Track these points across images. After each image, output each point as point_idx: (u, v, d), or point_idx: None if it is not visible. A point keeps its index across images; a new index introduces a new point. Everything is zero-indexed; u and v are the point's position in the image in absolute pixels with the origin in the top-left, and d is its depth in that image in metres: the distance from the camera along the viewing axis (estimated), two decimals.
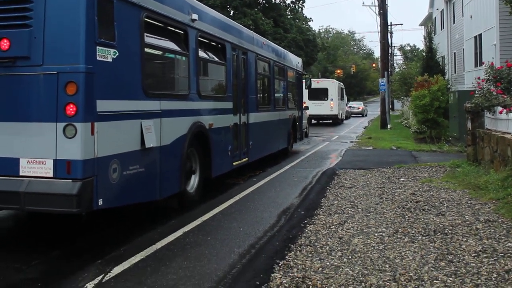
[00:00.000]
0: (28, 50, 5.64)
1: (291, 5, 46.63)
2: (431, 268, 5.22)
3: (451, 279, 4.91)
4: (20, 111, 5.69)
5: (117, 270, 5.34)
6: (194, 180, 8.72)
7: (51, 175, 5.52)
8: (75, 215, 5.88)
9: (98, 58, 5.72)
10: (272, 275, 5.08)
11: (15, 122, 5.71)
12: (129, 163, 6.31)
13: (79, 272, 5.30)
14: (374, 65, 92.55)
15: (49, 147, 5.53)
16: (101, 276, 5.15)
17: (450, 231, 6.57)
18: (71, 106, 5.47)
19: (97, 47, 5.71)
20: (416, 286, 4.74)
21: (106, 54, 5.87)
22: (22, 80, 5.68)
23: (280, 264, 5.39)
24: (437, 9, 36.59)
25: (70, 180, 5.44)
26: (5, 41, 5.71)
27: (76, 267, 5.45)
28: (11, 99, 5.72)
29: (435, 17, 38.26)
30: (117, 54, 6.08)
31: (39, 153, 5.58)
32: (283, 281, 4.88)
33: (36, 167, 5.57)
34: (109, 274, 5.22)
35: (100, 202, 5.71)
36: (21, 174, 5.62)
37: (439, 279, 4.91)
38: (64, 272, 5.34)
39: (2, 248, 6.33)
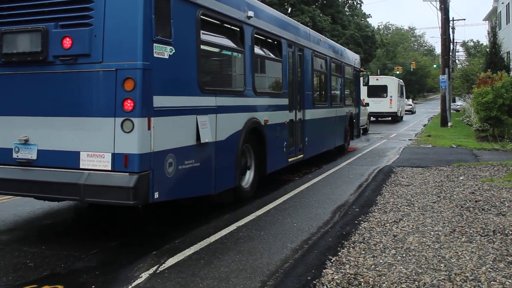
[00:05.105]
0: (89, 48, 5.83)
1: (350, 1, 46.18)
2: (489, 269, 5.05)
3: (510, 281, 4.74)
4: (80, 106, 5.90)
5: (171, 261, 5.46)
6: (249, 176, 8.79)
7: (109, 168, 5.70)
8: (132, 207, 6.04)
9: (155, 55, 5.85)
10: (324, 270, 5.06)
11: (76, 117, 5.93)
12: (184, 158, 6.44)
13: (135, 262, 5.47)
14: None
15: (108, 141, 5.71)
16: (156, 267, 5.28)
17: (510, 232, 6.34)
18: (129, 101, 5.62)
19: (154, 44, 5.84)
20: (472, 287, 4.61)
21: (163, 51, 6.00)
22: (83, 76, 5.89)
23: (332, 260, 5.37)
24: (503, 3, 35.26)
25: (127, 173, 5.60)
26: (68, 39, 5.93)
27: (132, 257, 5.62)
28: (73, 95, 5.94)
29: (500, 11, 36.88)
30: (174, 51, 6.20)
31: (98, 147, 5.77)
32: (335, 277, 4.85)
33: (95, 160, 5.77)
34: (163, 265, 5.35)
35: (156, 195, 5.84)
36: (81, 167, 5.83)
37: (497, 280, 4.75)
38: (120, 262, 5.52)
39: (64, 237, 6.60)
